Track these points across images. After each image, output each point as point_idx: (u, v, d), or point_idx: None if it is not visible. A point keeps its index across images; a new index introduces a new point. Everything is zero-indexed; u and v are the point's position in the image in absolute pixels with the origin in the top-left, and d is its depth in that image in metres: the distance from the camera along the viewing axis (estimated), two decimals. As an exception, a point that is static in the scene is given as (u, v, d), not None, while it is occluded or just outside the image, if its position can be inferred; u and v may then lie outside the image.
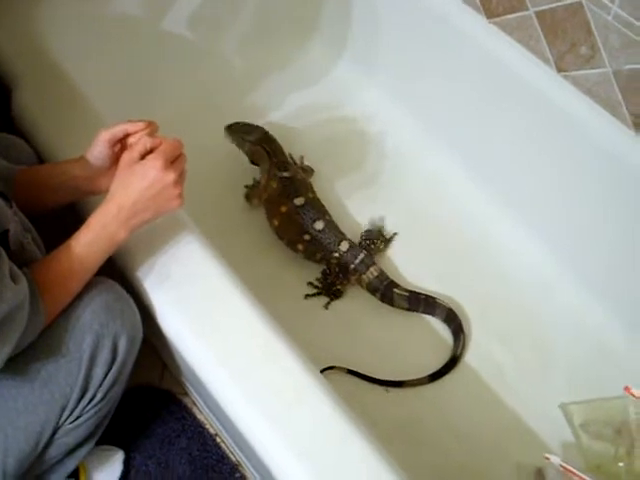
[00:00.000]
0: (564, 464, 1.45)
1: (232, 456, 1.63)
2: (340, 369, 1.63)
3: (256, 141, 1.82)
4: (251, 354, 1.22)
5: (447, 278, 1.80)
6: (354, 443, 1.15)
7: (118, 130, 1.20)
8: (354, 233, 1.80)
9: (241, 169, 1.90)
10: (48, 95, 1.43)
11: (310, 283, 1.76)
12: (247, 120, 1.88)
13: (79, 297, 1.17)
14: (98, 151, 1.23)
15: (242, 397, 1.19)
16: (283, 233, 1.76)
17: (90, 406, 1.22)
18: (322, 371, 1.57)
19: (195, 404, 1.69)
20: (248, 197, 1.86)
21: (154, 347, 1.70)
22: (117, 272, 1.36)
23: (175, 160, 1.17)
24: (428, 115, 2.00)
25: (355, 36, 2.10)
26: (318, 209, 1.76)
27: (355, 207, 1.92)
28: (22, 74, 1.46)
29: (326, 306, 1.74)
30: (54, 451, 1.25)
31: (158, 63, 1.92)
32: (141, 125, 1.20)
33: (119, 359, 1.20)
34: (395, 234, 1.86)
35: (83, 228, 1.14)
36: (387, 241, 1.83)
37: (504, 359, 1.69)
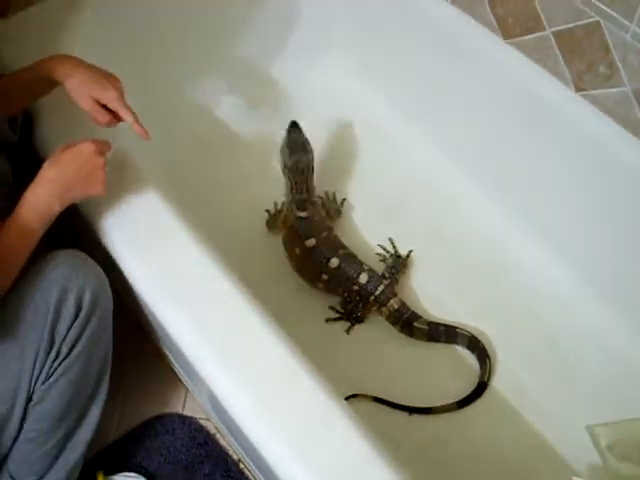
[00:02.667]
0: (591, 487, 1.44)
1: (256, 482, 1.63)
2: (365, 397, 1.61)
3: (287, 165, 1.76)
4: (274, 381, 1.21)
5: (466, 299, 1.79)
6: (379, 471, 1.13)
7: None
8: (368, 256, 1.80)
9: (263, 193, 1.90)
10: (69, 125, 1.45)
11: (332, 307, 1.75)
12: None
13: (46, 260, 1.27)
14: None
15: (266, 425, 1.18)
16: (301, 273, 1.76)
17: (57, 363, 1.26)
18: (347, 399, 1.56)
19: (218, 430, 1.68)
20: (269, 224, 1.86)
21: (176, 374, 1.72)
22: (136, 306, 1.38)
23: (104, 152, 1.29)
24: (443, 135, 2.00)
25: (364, 53, 2.13)
26: (330, 247, 1.72)
27: (371, 231, 1.91)
28: (44, 103, 1.47)
29: (348, 331, 1.73)
30: (34, 423, 1.29)
31: (178, 92, 1.95)
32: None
33: (83, 312, 1.25)
34: (411, 251, 1.85)
35: (21, 205, 1.22)
36: (405, 260, 1.82)
37: (528, 380, 1.67)
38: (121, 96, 1.35)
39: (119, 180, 1.38)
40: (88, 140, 1.27)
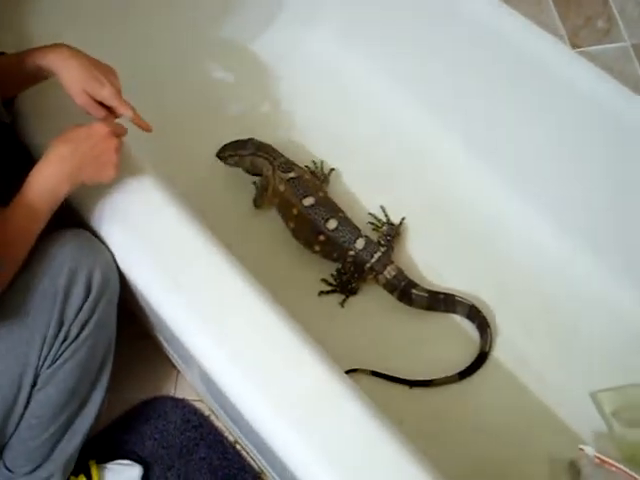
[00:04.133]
0: (599, 455, 1.42)
1: (254, 463, 1.58)
2: (363, 371, 1.58)
3: (253, 152, 1.77)
4: (272, 357, 1.16)
5: (463, 268, 1.76)
6: (385, 445, 1.09)
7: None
8: (360, 226, 1.74)
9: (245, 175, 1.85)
10: (48, 104, 1.39)
11: (324, 280, 1.71)
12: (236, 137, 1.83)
13: (52, 239, 1.22)
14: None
15: (264, 402, 1.13)
16: (299, 235, 1.72)
17: (65, 345, 1.23)
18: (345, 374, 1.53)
19: (212, 411, 1.63)
20: (256, 203, 1.81)
21: (165, 355, 1.67)
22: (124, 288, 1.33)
23: (118, 134, 1.25)
24: (433, 98, 1.93)
25: (351, 19, 2.05)
26: (330, 207, 1.70)
27: (362, 200, 1.86)
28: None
29: (342, 304, 1.69)
30: (36, 410, 1.25)
31: (157, 63, 1.86)
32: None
33: (93, 293, 1.23)
34: (403, 218, 1.80)
35: (26, 186, 1.15)
36: (398, 227, 1.78)
37: (528, 349, 1.65)
38: (118, 92, 1.29)
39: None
40: (102, 122, 1.22)
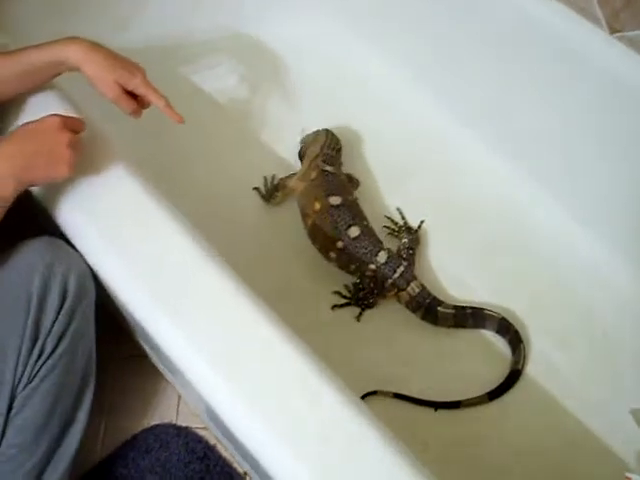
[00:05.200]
0: (647, 483, 1.31)
1: (267, 497, 1.45)
2: (384, 394, 1.46)
3: (322, 129, 1.74)
4: (282, 386, 1.03)
5: (488, 275, 1.64)
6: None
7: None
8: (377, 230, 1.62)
9: (251, 174, 1.73)
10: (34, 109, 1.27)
11: (337, 292, 1.58)
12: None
13: (21, 247, 1.17)
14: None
15: (273, 436, 1.00)
16: (316, 236, 1.59)
17: (41, 361, 1.16)
18: (364, 397, 1.43)
19: (219, 440, 1.50)
20: (276, 190, 1.68)
21: (165, 377, 1.55)
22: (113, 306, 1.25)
23: (74, 129, 1.17)
24: (451, 93, 1.82)
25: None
26: (355, 213, 1.57)
27: (374, 201, 1.73)
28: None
29: (358, 318, 1.56)
30: (14, 437, 1.17)
31: (162, 62, 1.71)
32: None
33: (68, 301, 1.16)
34: (422, 222, 1.68)
35: None
36: (417, 232, 1.65)
37: (564, 365, 1.54)
38: (147, 80, 1.26)
39: (84, 154, 1.20)
40: (54, 115, 1.14)
